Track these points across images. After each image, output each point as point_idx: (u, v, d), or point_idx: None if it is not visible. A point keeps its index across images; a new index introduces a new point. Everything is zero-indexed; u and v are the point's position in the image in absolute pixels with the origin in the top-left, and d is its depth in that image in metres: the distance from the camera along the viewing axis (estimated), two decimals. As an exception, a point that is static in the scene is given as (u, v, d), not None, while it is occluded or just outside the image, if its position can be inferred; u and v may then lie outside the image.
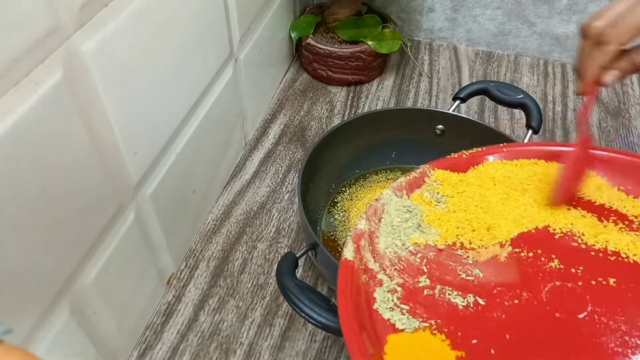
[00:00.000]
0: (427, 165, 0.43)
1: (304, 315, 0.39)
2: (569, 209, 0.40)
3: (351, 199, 0.58)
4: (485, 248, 0.39)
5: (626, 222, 0.39)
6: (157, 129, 0.44)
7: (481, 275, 0.38)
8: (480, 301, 0.36)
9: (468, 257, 0.38)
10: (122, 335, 0.46)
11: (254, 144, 0.68)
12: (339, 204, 0.57)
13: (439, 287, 0.37)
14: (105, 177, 0.37)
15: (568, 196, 0.40)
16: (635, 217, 0.39)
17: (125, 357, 0.47)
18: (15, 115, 0.28)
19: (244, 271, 0.54)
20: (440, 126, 0.58)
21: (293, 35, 0.76)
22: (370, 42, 0.73)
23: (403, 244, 0.39)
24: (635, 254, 0.37)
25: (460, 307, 0.35)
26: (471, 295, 0.36)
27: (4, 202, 0.28)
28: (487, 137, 0.51)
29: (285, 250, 0.56)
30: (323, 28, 0.78)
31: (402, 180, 0.42)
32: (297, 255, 0.44)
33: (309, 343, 0.49)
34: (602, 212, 0.40)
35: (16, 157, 0.28)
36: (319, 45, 0.74)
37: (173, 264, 0.53)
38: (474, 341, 0.34)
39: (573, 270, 0.37)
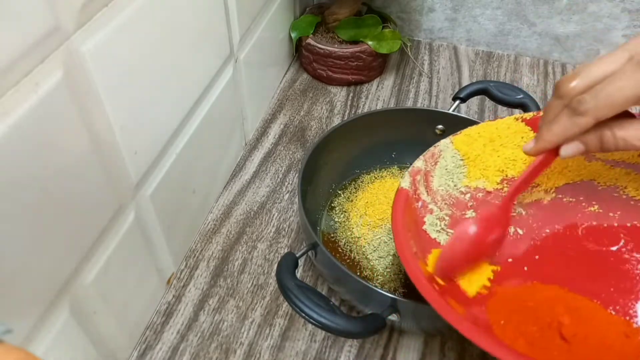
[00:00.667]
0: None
1: (304, 315, 0.39)
2: (613, 167, 0.42)
3: (351, 199, 0.57)
4: (530, 194, 0.43)
5: None
6: (157, 129, 0.44)
7: (523, 212, 0.42)
8: (519, 231, 0.41)
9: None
10: (122, 335, 0.46)
11: (254, 144, 0.68)
12: (339, 204, 0.57)
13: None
14: (105, 177, 0.37)
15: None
16: None
17: (125, 357, 0.47)
18: (15, 116, 0.28)
19: (244, 271, 0.54)
20: (440, 126, 0.58)
21: (293, 35, 0.76)
22: (370, 42, 0.73)
23: (455, 185, 0.44)
24: None
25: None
26: (512, 227, 0.41)
27: (4, 202, 0.28)
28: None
29: (285, 250, 0.56)
30: (323, 28, 0.78)
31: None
32: (297, 255, 0.44)
33: (309, 343, 0.49)
34: None
35: (16, 157, 0.28)
36: (319, 45, 0.74)
37: (173, 264, 0.53)
38: (510, 259, 0.39)
39: (611, 214, 0.40)
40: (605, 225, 0.40)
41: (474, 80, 0.79)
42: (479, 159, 0.45)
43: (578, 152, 0.34)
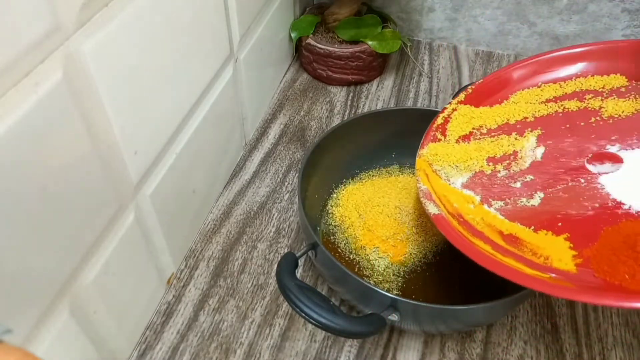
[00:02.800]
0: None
1: (304, 315, 0.39)
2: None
3: (351, 199, 0.57)
4: (517, 162, 0.48)
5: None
6: (157, 129, 0.44)
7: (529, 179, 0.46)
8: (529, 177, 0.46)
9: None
10: (122, 335, 0.46)
11: (254, 144, 0.68)
12: (339, 204, 0.57)
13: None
14: (105, 177, 0.37)
15: None
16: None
17: (125, 357, 0.48)
18: (15, 116, 0.28)
19: (244, 271, 0.54)
20: (440, 126, 0.58)
21: (293, 35, 0.76)
22: (370, 42, 0.73)
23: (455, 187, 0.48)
24: None
25: (514, 186, 0.46)
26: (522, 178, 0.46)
27: (4, 202, 0.28)
28: (487, 137, 0.51)
29: (285, 250, 0.56)
30: (323, 28, 0.78)
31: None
32: (297, 255, 0.44)
33: (309, 343, 0.49)
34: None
35: (16, 157, 0.28)
36: (319, 45, 0.74)
37: (173, 264, 0.53)
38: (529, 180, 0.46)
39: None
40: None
41: (474, 80, 0.79)
42: (461, 156, 0.49)
43: None
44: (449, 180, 0.48)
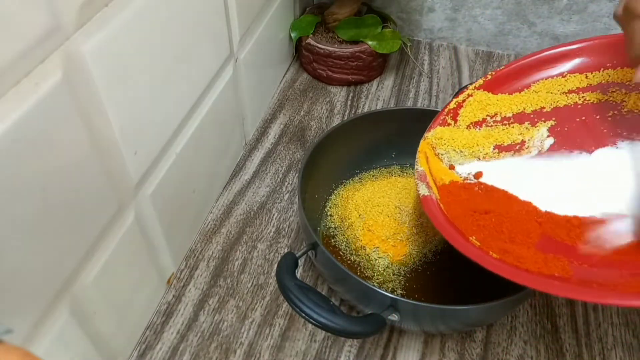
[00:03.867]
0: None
1: (304, 315, 0.39)
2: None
3: (351, 199, 0.57)
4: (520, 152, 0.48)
5: None
6: (157, 129, 0.44)
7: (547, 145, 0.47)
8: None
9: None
10: (122, 335, 0.46)
11: (254, 144, 0.68)
12: (339, 204, 0.57)
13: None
14: (105, 177, 0.37)
15: None
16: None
17: (125, 357, 0.47)
18: (15, 116, 0.28)
19: (244, 271, 0.54)
20: (440, 126, 0.58)
21: (293, 35, 0.76)
22: (370, 42, 0.73)
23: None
24: None
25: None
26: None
27: (4, 202, 0.28)
28: (487, 137, 0.51)
29: (285, 250, 0.56)
30: (323, 28, 0.78)
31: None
32: (297, 255, 0.44)
33: (309, 343, 0.49)
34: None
35: (16, 157, 0.28)
36: (319, 45, 0.74)
37: (173, 264, 0.53)
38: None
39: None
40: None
41: (474, 80, 0.78)
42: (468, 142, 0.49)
43: None
44: (452, 166, 0.48)
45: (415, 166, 0.48)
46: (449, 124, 0.50)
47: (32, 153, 0.30)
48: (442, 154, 0.48)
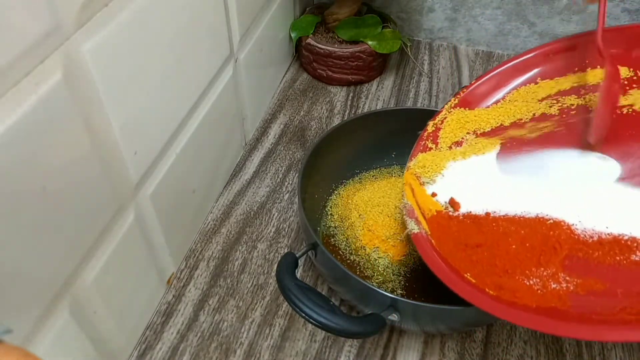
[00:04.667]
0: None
1: (304, 315, 0.39)
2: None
3: (351, 199, 0.57)
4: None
5: None
6: (157, 129, 0.44)
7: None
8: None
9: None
10: (122, 335, 0.46)
11: (254, 144, 0.68)
12: (339, 204, 0.57)
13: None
14: (105, 177, 0.37)
15: (605, 129, 0.44)
16: None
17: (125, 357, 0.48)
18: (15, 116, 0.28)
19: (244, 271, 0.54)
20: (440, 126, 0.58)
21: (293, 35, 0.76)
22: (370, 42, 0.73)
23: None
24: None
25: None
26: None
27: (4, 202, 0.28)
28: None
29: (285, 250, 0.56)
30: (323, 28, 0.78)
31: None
32: (297, 255, 0.44)
33: (309, 343, 0.49)
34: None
35: (16, 157, 0.28)
36: (319, 45, 0.74)
37: (173, 264, 0.53)
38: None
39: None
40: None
41: (474, 80, 0.79)
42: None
43: None
44: (434, 193, 0.47)
45: (402, 200, 0.47)
46: (430, 149, 0.49)
47: (31, 153, 0.30)
48: (426, 182, 0.48)
